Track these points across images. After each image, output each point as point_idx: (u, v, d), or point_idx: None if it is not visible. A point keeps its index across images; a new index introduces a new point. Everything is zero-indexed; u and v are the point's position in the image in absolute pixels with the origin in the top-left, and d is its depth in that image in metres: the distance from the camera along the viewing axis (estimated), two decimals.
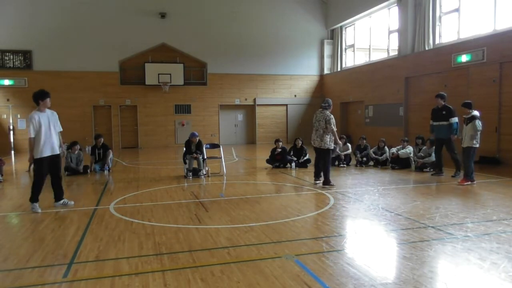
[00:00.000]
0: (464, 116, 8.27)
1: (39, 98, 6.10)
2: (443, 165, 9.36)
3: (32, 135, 6.01)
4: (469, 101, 8.47)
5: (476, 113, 8.16)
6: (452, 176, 8.94)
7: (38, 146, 6.05)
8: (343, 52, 20.57)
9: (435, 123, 9.34)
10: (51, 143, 6.16)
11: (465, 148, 8.16)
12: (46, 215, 5.87)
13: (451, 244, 4.31)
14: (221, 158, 10.15)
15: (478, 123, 8.00)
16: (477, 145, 8.10)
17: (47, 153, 6.12)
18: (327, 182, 7.99)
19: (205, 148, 10.05)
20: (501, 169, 10.30)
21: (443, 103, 9.21)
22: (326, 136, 7.96)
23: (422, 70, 14.40)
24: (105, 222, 5.44)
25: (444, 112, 9.13)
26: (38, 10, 17.83)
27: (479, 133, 8.02)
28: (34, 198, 6.17)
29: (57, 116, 6.38)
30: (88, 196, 7.43)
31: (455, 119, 9.01)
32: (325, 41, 21.15)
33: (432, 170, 9.70)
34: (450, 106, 9.18)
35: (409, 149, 10.61)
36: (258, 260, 3.92)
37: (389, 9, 16.68)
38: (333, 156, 11.42)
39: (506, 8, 11.80)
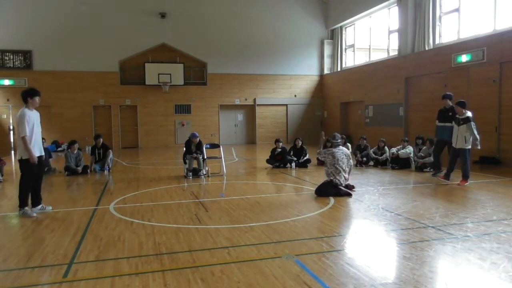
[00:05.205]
0: (458, 116, 8.13)
1: (28, 96, 5.92)
2: (441, 164, 9.24)
3: (28, 134, 5.76)
4: (463, 100, 8.28)
5: (469, 114, 8.02)
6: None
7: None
8: (343, 52, 20.57)
9: (439, 124, 9.08)
10: (39, 143, 6.05)
11: (459, 149, 8.09)
12: (46, 215, 5.87)
13: (451, 244, 4.31)
14: (221, 158, 10.15)
15: (473, 126, 7.84)
16: (470, 146, 7.99)
17: (36, 153, 5.91)
18: None
19: (205, 148, 10.05)
20: (501, 169, 10.30)
21: (450, 104, 8.91)
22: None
23: (422, 70, 14.40)
24: (105, 222, 5.44)
25: (450, 114, 8.79)
26: (38, 10, 17.84)
27: (477, 135, 7.86)
28: (24, 203, 5.89)
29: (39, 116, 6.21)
30: (88, 196, 7.43)
31: None
32: (325, 41, 21.15)
33: (432, 170, 9.68)
34: None
35: (409, 149, 10.60)
36: (258, 260, 3.92)
37: (389, 9, 16.68)
38: None
39: (506, 8, 11.80)
